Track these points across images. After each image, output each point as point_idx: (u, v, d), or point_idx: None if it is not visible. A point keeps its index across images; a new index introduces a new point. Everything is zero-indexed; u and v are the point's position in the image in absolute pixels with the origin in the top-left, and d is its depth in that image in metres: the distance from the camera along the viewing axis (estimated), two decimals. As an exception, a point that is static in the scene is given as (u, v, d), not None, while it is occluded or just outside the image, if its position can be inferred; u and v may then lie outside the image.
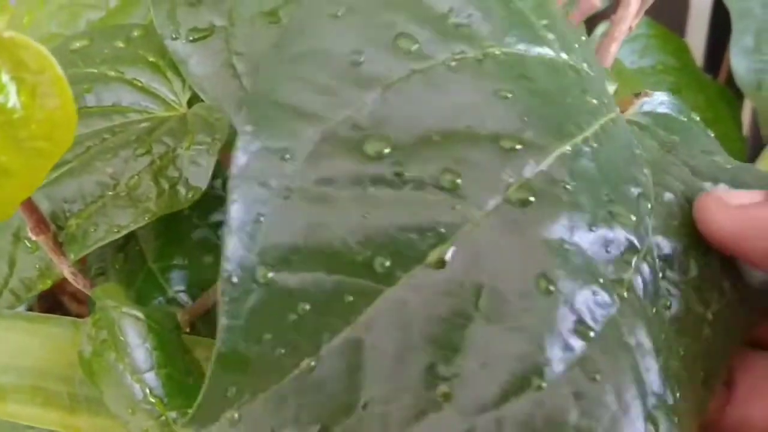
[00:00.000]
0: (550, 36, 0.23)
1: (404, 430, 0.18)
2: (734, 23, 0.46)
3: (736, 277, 0.23)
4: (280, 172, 0.19)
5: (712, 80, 0.51)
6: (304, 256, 0.18)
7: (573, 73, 0.23)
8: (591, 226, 0.20)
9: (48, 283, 0.28)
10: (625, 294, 0.20)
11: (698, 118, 0.27)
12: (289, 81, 0.20)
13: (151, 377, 0.25)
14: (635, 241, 0.21)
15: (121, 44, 0.30)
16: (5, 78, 0.19)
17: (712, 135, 0.27)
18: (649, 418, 0.20)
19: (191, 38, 0.28)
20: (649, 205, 0.22)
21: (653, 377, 0.20)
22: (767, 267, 0.22)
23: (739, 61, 0.46)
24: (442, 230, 0.19)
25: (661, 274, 0.21)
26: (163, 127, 0.27)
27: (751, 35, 0.46)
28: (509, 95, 0.21)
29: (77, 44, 0.31)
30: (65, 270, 0.27)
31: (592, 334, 0.19)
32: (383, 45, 0.21)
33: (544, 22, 0.24)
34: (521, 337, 0.19)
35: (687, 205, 0.23)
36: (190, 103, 0.29)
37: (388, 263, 0.19)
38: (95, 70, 0.29)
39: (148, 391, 0.24)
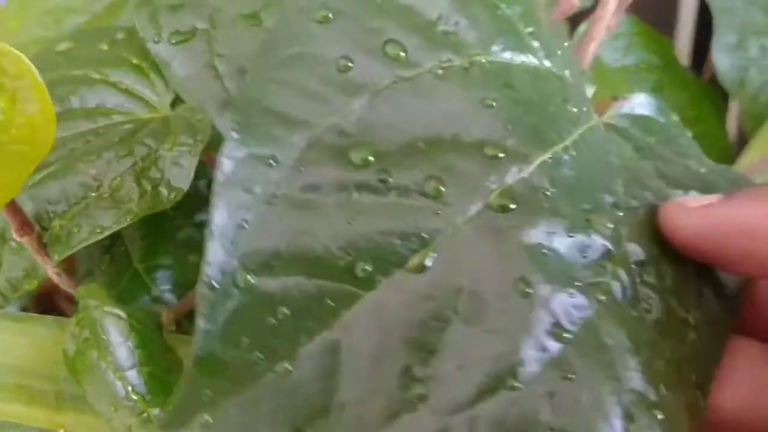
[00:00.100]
0: (535, 44, 0.24)
1: (378, 431, 0.18)
2: (716, 20, 0.46)
3: (715, 283, 0.23)
4: (265, 179, 0.19)
5: (696, 78, 0.52)
6: (285, 261, 0.19)
7: (556, 81, 0.24)
8: (569, 232, 0.21)
9: (34, 284, 0.29)
10: (602, 297, 0.21)
11: (677, 119, 0.28)
12: (278, 86, 0.20)
13: (133, 375, 0.25)
14: (611, 247, 0.21)
15: (105, 47, 0.31)
16: (-16, 84, 0.20)
17: (691, 136, 0.28)
18: (627, 415, 0.20)
19: (173, 41, 0.28)
20: (621, 213, 0.22)
21: (632, 375, 0.20)
22: (731, 267, 0.22)
23: (721, 58, 0.46)
24: (424, 235, 0.19)
25: (638, 279, 0.22)
26: (145, 128, 0.28)
27: (733, 32, 0.46)
28: (494, 104, 0.22)
29: (62, 47, 0.31)
30: (50, 270, 0.27)
31: (568, 335, 0.20)
32: (372, 51, 0.21)
33: (530, 29, 0.24)
34: (498, 338, 0.19)
35: (655, 213, 0.23)
36: (173, 105, 0.30)
37: (369, 268, 0.19)
38: (80, 73, 0.30)
39: (130, 388, 0.25)
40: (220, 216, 0.18)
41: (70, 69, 0.30)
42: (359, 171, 0.20)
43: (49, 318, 0.29)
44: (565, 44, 0.26)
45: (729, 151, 0.49)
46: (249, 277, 0.18)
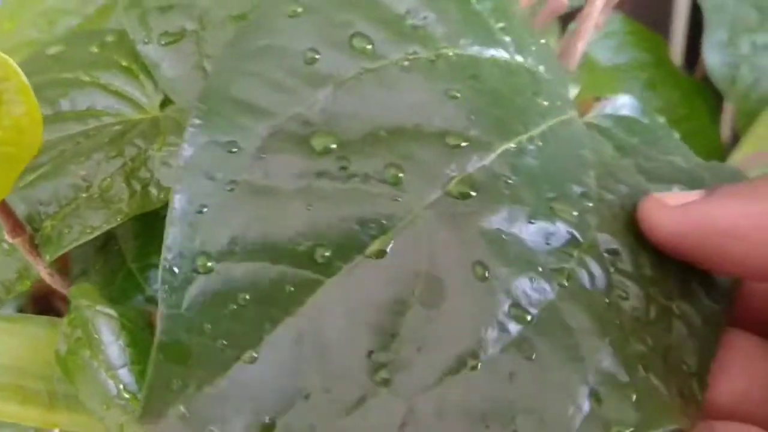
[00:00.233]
0: (507, 38, 0.24)
1: (344, 418, 0.18)
2: (707, 18, 0.46)
3: (702, 276, 0.23)
4: (226, 165, 0.19)
5: (689, 76, 0.52)
6: (246, 247, 0.19)
7: (527, 75, 0.24)
8: (531, 218, 0.21)
9: (27, 284, 0.29)
10: (566, 282, 0.21)
11: (663, 120, 0.28)
12: (244, 76, 0.20)
13: (124, 373, 0.25)
14: (577, 235, 0.22)
15: (95, 49, 0.31)
16: (-29, 87, 0.20)
17: (679, 136, 0.28)
18: (594, 394, 0.20)
19: (163, 42, 0.28)
20: (591, 204, 0.22)
21: (601, 357, 0.21)
22: (710, 266, 0.22)
23: (713, 56, 0.46)
24: (384, 222, 0.20)
25: (612, 268, 0.22)
26: (135, 129, 0.28)
27: (724, 29, 0.47)
28: (458, 95, 0.22)
29: (53, 50, 0.31)
30: (42, 271, 0.28)
31: (529, 317, 0.20)
32: (338, 44, 0.22)
33: (501, 24, 0.24)
34: (456, 321, 0.20)
35: (632, 207, 0.23)
36: (163, 105, 0.30)
37: (328, 254, 0.19)
38: (70, 76, 0.30)
39: (121, 386, 0.25)
40: (179, 201, 0.19)
41: (61, 72, 0.30)
42: (320, 158, 0.20)
43: (42, 318, 0.29)
44: (542, 41, 0.26)
45: (721, 149, 0.50)
46: (209, 262, 0.18)
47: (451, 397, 0.19)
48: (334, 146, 0.20)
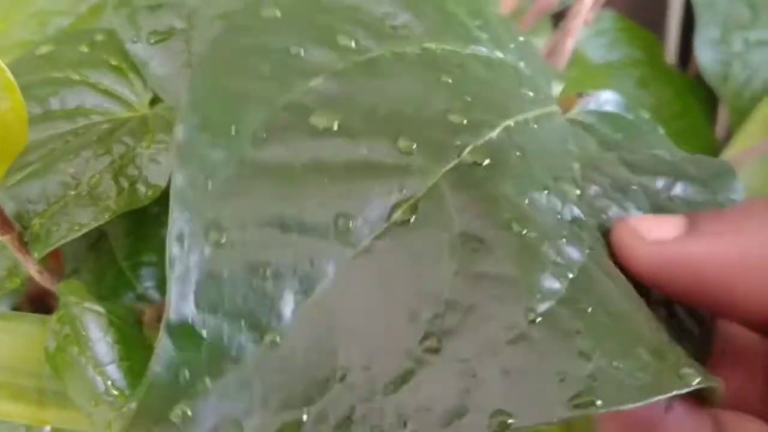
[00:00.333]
0: (484, 36, 0.24)
1: (390, 396, 0.17)
2: (698, 15, 0.47)
3: None
4: (227, 143, 0.18)
5: (682, 73, 0.52)
6: (260, 219, 0.18)
7: (509, 69, 0.24)
8: (543, 189, 0.21)
9: (17, 282, 0.29)
10: (587, 250, 0.21)
11: (648, 115, 0.28)
12: (230, 70, 0.20)
13: (112, 370, 0.25)
14: (581, 214, 0.22)
15: (85, 49, 0.31)
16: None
17: (662, 131, 0.28)
18: (652, 348, 0.19)
19: (152, 41, 0.29)
20: (579, 192, 0.22)
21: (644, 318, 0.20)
22: (687, 302, 0.22)
23: (704, 53, 0.46)
24: (404, 190, 0.19)
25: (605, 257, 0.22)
26: (123, 127, 0.28)
27: (716, 27, 0.47)
28: (450, 80, 0.22)
29: (43, 50, 0.32)
30: (31, 269, 0.28)
31: (570, 275, 0.20)
32: (323, 42, 0.21)
33: (478, 23, 0.25)
34: (505, 277, 0.19)
35: (607, 200, 0.23)
36: (152, 104, 0.30)
37: (350, 223, 0.18)
38: (60, 75, 0.30)
39: (109, 383, 0.25)
40: (183, 176, 0.17)
41: (51, 71, 0.30)
42: (325, 135, 0.19)
43: (33, 316, 0.30)
44: (521, 39, 0.26)
45: (714, 146, 0.50)
46: (222, 235, 0.17)
47: (515, 355, 0.18)
48: (336, 124, 0.19)
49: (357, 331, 0.17)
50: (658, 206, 0.24)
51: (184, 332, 0.16)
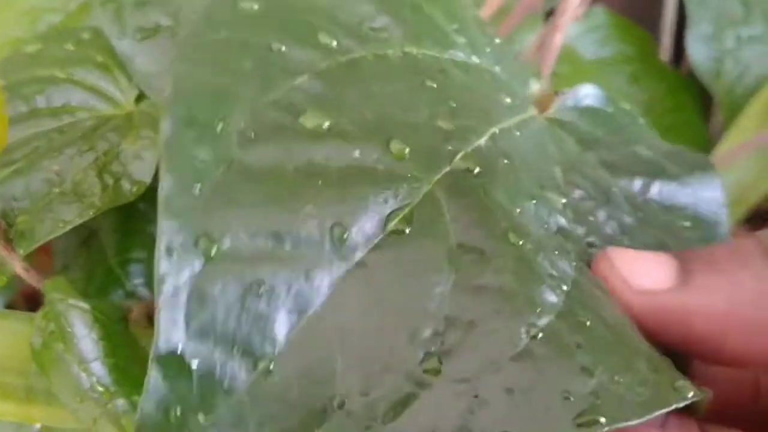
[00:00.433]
0: (461, 40, 0.24)
1: (391, 423, 0.16)
2: (690, 11, 0.47)
3: None
4: (215, 144, 0.17)
5: (674, 69, 0.52)
6: (251, 228, 0.17)
7: (486, 74, 0.24)
8: (531, 198, 0.21)
9: (3, 280, 0.29)
10: (574, 263, 0.20)
11: (628, 107, 0.28)
12: (210, 65, 0.19)
13: (97, 366, 0.25)
14: (566, 225, 0.22)
15: (71, 47, 0.31)
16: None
17: (642, 121, 0.28)
18: (649, 360, 0.19)
19: (138, 37, 0.28)
20: (564, 200, 0.22)
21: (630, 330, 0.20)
22: (668, 345, 0.21)
23: (697, 49, 0.46)
24: (399, 197, 0.19)
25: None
26: (108, 124, 0.28)
27: (709, 23, 0.47)
28: (434, 85, 0.22)
29: (31, 49, 0.32)
30: (17, 266, 0.28)
31: (565, 288, 0.19)
32: (304, 39, 0.21)
33: (455, 26, 0.24)
34: (504, 291, 0.18)
35: (592, 202, 0.23)
36: (138, 101, 0.30)
37: (345, 234, 0.18)
38: (46, 73, 0.30)
39: (94, 379, 0.25)
40: (170, 179, 0.16)
41: (38, 70, 0.30)
42: (315, 137, 0.19)
43: (20, 313, 0.30)
44: (497, 41, 0.26)
45: (708, 141, 0.50)
46: (212, 247, 0.16)
47: (519, 372, 0.17)
48: (326, 125, 0.19)
49: (354, 354, 0.17)
50: (637, 207, 0.24)
51: (173, 363, 0.16)
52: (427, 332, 0.17)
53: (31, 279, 0.29)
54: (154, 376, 0.15)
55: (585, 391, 0.17)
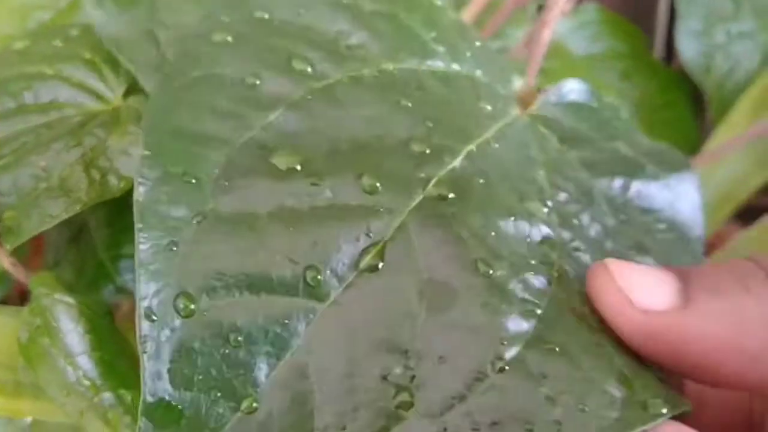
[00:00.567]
0: (440, 48, 0.24)
1: None
2: (680, 7, 0.47)
3: None
4: (188, 197, 0.18)
5: (666, 66, 0.52)
6: (227, 281, 0.17)
7: (466, 82, 0.24)
8: (510, 216, 0.21)
9: (-8, 275, 0.29)
10: (556, 274, 0.21)
11: (611, 100, 0.28)
12: (186, 107, 0.19)
13: (83, 360, 0.26)
14: (549, 231, 0.22)
15: (59, 43, 0.31)
16: None
17: (625, 115, 0.28)
18: (622, 379, 0.19)
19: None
20: (550, 203, 0.22)
21: (613, 341, 0.20)
22: (662, 365, 0.20)
23: (686, 45, 0.46)
24: (371, 234, 0.19)
25: (577, 265, 0.22)
26: (95, 120, 0.28)
27: (699, 19, 0.47)
28: (409, 104, 0.22)
29: (19, 45, 0.32)
30: (5, 261, 0.28)
31: (538, 311, 0.19)
32: (278, 67, 0.21)
33: (433, 35, 0.24)
34: (472, 323, 0.19)
35: (577, 205, 0.23)
36: (126, 97, 0.30)
37: (320, 276, 0.18)
38: (34, 69, 0.30)
39: (81, 373, 0.25)
40: (146, 241, 0.17)
41: (26, 66, 0.30)
42: (287, 178, 0.19)
43: (8, 308, 0.30)
44: (477, 44, 0.26)
45: (698, 136, 0.50)
46: (191, 304, 0.17)
47: (485, 404, 0.18)
48: (298, 165, 0.19)
49: (330, 391, 0.17)
50: (618, 209, 0.24)
51: (161, 409, 0.16)
52: (398, 368, 0.18)
53: (19, 274, 0.29)
54: (144, 425, 0.16)
55: (549, 419, 0.17)
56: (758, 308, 0.18)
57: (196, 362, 0.17)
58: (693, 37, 0.46)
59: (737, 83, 0.46)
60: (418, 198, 0.20)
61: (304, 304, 0.18)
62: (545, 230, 0.22)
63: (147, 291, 0.17)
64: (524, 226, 0.21)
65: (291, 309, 0.18)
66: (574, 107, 0.27)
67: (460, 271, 0.19)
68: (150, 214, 0.17)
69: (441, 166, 0.21)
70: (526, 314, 0.19)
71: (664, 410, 0.18)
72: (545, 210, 0.22)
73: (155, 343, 0.16)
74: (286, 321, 0.17)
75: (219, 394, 0.17)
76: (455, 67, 0.24)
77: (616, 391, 0.19)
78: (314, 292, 0.18)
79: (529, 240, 0.21)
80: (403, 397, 0.17)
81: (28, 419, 0.30)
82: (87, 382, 0.26)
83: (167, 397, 0.16)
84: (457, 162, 0.21)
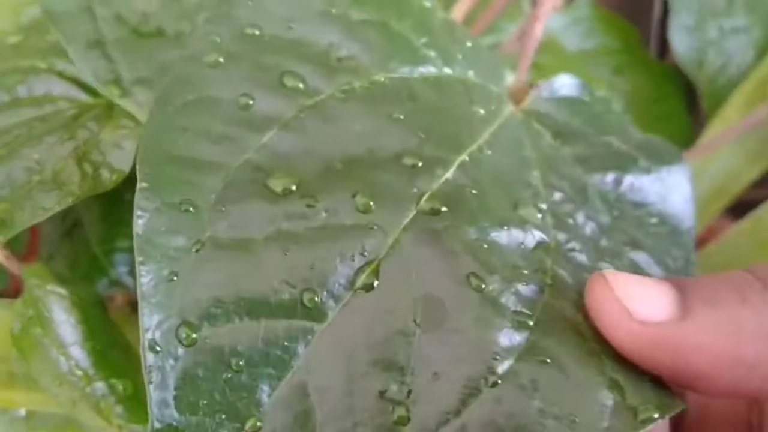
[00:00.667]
0: (432, 53, 0.24)
1: None
2: (672, 3, 0.47)
3: None
4: (186, 226, 0.18)
5: (659, 61, 0.52)
6: (227, 308, 0.18)
7: (458, 86, 0.24)
8: (503, 225, 0.21)
9: (-15, 266, 0.29)
10: (550, 281, 0.21)
11: (603, 94, 0.28)
12: (181, 133, 0.20)
13: (76, 350, 0.26)
14: (544, 236, 0.22)
15: (52, 38, 0.31)
16: None
17: (617, 108, 0.28)
18: (614, 385, 0.19)
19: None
20: (544, 206, 0.22)
21: (608, 347, 0.20)
22: (659, 375, 0.20)
23: (679, 40, 0.47)
24: (366, 253, 0.19)
25: (575, 266, 0.22)
26: (88, 113, 0.29)
27: (691, 14, 0.47)
28: (401, 117, 0.22)
29: (12, 40, 0.32)
30: (-1, 253, 0.28)
31: (531, 321, 0.20)
32: (270, 86, 0.21)
33: (424, 40, 0.25)
34: (465, 338, 0.19)
35: (571, 204, 0.23)
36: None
37: (317, 298, 0.18)
38: (27, 64, 0.31)
39: (73, 363, 0.26)
40: (147, 274, 0.18)
41: (19, 60, 0.31)
42: (283, 201, 0.19)
43: (1, 300, 0.30)
44: (468, 44, 0.26)
45: (692, 131, 0.50)
46: (193, 333, 0.17)
47: (479, 419, 0.18)
48: (294, 186, 0.20)
49: (330, 409, 0.18)
50: (611, 205, 0.24)
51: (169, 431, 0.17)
52: (394, 385, 0.18)
53: (13, 266, 0.29)
54: None
55: (538, 426, 0.18)
56: (755, 319, 0.19)
57: (200, 388, 0.17)
58: (686, 32, 0.47)
59: (730, 78, 0.46)
60: (411, 214, 0.20)
61: (302, 325, 0.18)
62: (539, 235, 0.22)
63: (150, 323, 0.17)
64: (518, 234, 0.21)
65: (290, 331, 0.18)
66: (567, 102, 0.27)
67: (452, 287, 0.20)
68: (150, 246, 0.18)
69: (433, 180, 0.21)
70: (519, 326, 0.20)
71: (655, 415, 0.19)
72: (539, 215, 0.22)
73: (161, 373, 0.17)
74: (286, 343, 0.18)
75: (224, 417, 0.17)
76: (447, 71, 0.25)
77: (607, 399, 0.19)
78: (312, 313, 0.18)
79: (523, 247, 0.21)
80: (400, 412, 0.18)
81: (22, 411, 0.30)
82: (79, 372, 0.26)
83: (174, 423, 0.17)
84: (449, 174, 0.22)
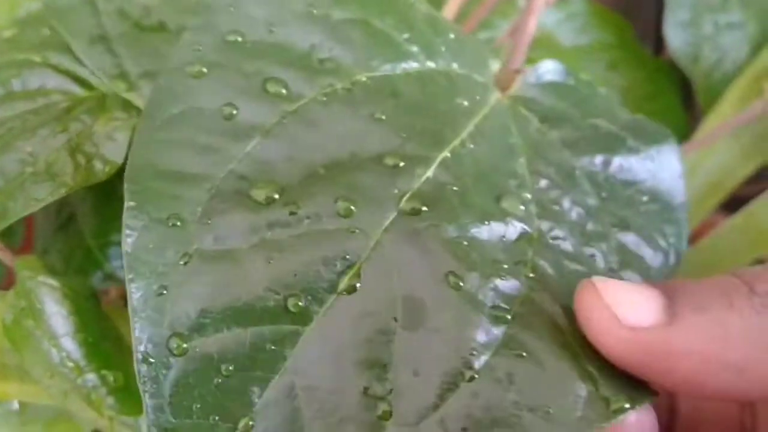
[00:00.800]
0: (414, 48, 0.24)
1: None
2: (666, -1, 0.47)
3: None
4: (173, 240, 0.19)
5: (654, 57, 0.52)
6: (215, 317, 0.19)
7: (442, 79, 0.24)
8: (484, 220, 0.21)
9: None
10: (531, 273, 0.21)
11: (588, 79, 0.28)
12: (166, 147, 0.20)
13: (67, 342, 0.26)
14: (526, 227, 0.22)
15: (47, 32, 0.31)
16: None
17: (603, 92, 0.28)
18: (588, 376, 0.20)
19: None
20: (529, 195, 0.23)
21: (585, 338, 0.20)
22: (646, 379, 0.21)
23: (674, 35, 0.47)
24: (348, 256, 0.20)
25: (560, 255, 0.22)
26: (81, 106, 0.29)
27: (686, 9, 0.47)
28: (383, 117, 0.22)
29: (7, 34, 0.32)
30: (-8, 245, 0.28)
31: (509, 315, 0.20)
32: (253, 93, 0.22)
33: (407, 35, 0.25)
34: (443, 336, 0.20)
35: (558, 190, 0.23)
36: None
37: (301, 302, 0.19)
38: (22, 57, 0.31)
39: (64, 354, 0.26)
40: (137, 290, 0.18)
41: (14, 54, 0.31)
42: (267, 209, 0.20)
43: (-5, 293, 0.30)
44: (451, 36, 0.26)
45: (687, 127, 0.50)
46: (184, 343, 0.18)
47: (455, 414, 0.19)
48: (276, 195, 0.20)
49: (316, 407, 0.18)
50: (600, 186, 0.24)
51: None
52: (377, 382, 0.19)
53: (6, 258, 0.29)
54: None
55: (515, 424, 0.19)
56: (741, 323, 0.19)
57: (193, 393, 0.18)
58: (681, 27, 0.47)
59: (725, 73, 0.46)
60: (392, 215, 0.21)
61: (288, 329, 0.19)
62: (521, 227, 0.22)
63: (142, 337, 0.18)
64: (499, 227, 0.22)
65: (276, 336, 0.19)
66: (553, 86, 0.27)
67: (432, 286, 0.20)
68: (139, 263, 0.19)
69: (414, 179, 0.22)
70: (496, 321, 0.20)
71: (627, 405, 0.20)
72: (522, 207, 0.22)
73: (155, 383, 0.18)
74: (273, 347, 0.19)
75: (217, 418, 0.18)
76: (430, 64, 0.25)
77: (581, 390, 0.20)
78: (297, 318, 0.19)
79: (504, 240, 0.22)
80: (384, 407, 0.19)
81: (15, 403, 0.30)
82: (71, 364, 0.26)
83: (170, 427, 0.18)
84: (430, 172, 0.22)
